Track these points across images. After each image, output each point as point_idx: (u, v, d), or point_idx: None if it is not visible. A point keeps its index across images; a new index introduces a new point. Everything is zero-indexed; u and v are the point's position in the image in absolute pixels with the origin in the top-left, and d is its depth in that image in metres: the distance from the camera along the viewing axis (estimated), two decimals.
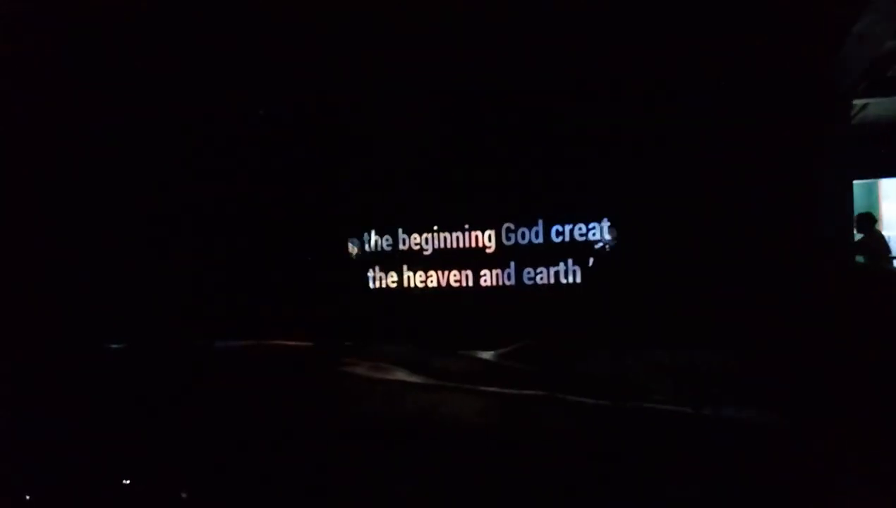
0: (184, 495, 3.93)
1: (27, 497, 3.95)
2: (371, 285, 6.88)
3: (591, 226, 6.30)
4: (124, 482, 4.06)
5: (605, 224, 6.27)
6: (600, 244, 6.30)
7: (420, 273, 6.73)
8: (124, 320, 7.09)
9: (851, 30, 5.14)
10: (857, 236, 6.99)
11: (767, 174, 5.81)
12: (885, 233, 8.04)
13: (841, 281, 5.57)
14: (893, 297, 4.88)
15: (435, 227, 6.69)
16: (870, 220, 7.06)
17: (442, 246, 6.67)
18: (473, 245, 6.58)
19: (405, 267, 6.77)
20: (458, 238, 6.62)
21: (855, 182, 6.71)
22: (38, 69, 6.69)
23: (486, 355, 6.15)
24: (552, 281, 6.38)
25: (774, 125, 5.78)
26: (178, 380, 6.01)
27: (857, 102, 7.41)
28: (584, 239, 6.32)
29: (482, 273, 6.54)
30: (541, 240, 6.42)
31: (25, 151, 7.38)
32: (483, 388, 5.41)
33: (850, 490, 3.50)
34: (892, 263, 6.82)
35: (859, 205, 7.18)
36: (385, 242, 6.82)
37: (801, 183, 5.85)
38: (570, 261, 6.34)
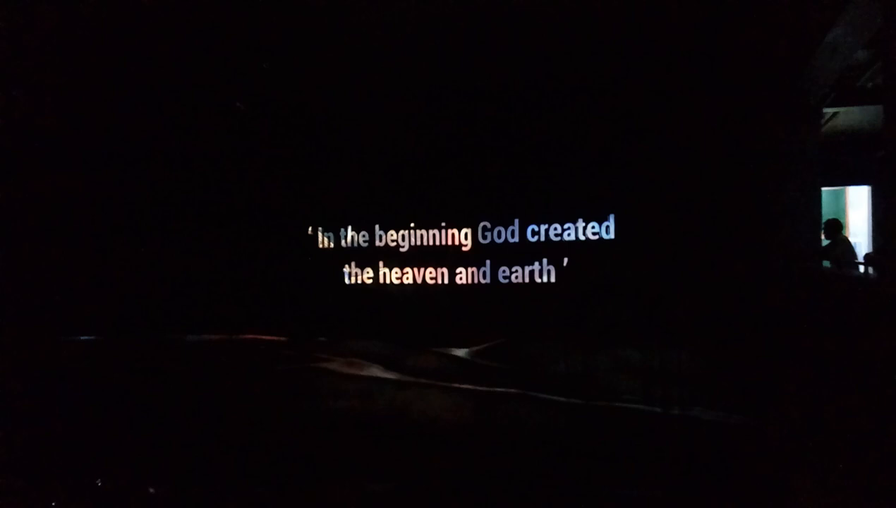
0: (151, 490, 3.89)
1: None
2: (346, 281, 6.86)
3: (566, 226, 6.35)
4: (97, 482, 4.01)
5: (580, 224, 6.33)
6: (575, 244, 6.36)
7: (396, 269, 6.73)
8: (94, 313, 6.97)
9: (822, 40, 5.26)
10: (825, 242, 7.15)
11: (738, 180, 5.91)
12: (851, 239, 8.24)
13: (808, 285, 5.70)
14: (858, 302, 5.00)
15: (412, 224, 6.69)
16: (837, 227, 7.22)
17: (418, 243, 6.67)
18: (450, 242, 6.60)
19: (381, 264, 6.77)
20: (434, 235, 6.63)
21: (823, 189, 6.86)
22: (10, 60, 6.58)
23: (461, 352, 6.17)
24: (527, 280, 6.42)
25: (746, 133, 5.87)
26: (149, 374, 5.94)
27: (828, 111, 7.58)
28: (559, 239, 6.37)
29: (458, 271, 6.56)
30: (516, 239, 6.46)
31: None
32: (457, 385, 5.43)
33: (814, 490, 3.58)
34: (857, 269, 6.97)
35: (827, 212, 7.35)
36: (361, 238, 6.81)
37: (770, 189, 5.96)
38: (544, 261, 6.38)
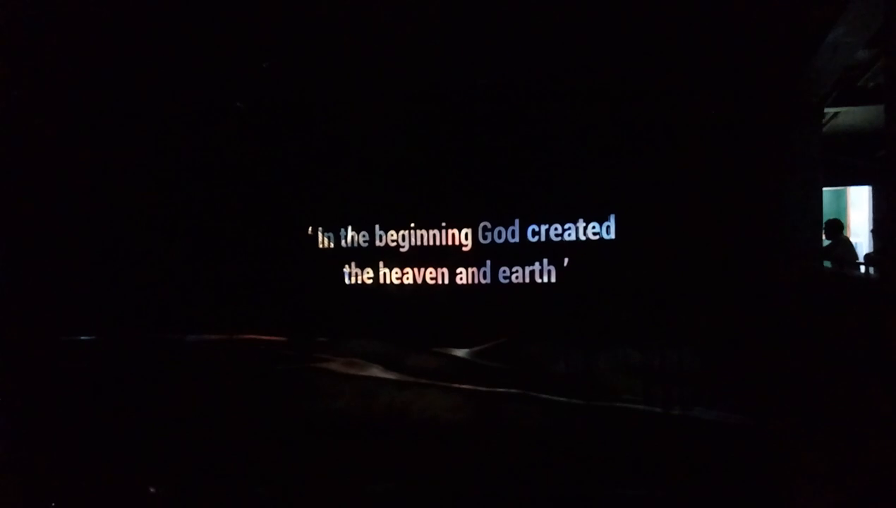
0: (152, 490, 3.89)
1: None
2: (346, 281, 6.85)
3: (566, 226, 6.34)
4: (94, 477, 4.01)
5: (581, 224, 6.32)
6: (575, 244, 6.35)
7: (396, 269, 6.72)
8: (94, 313, 6.97)
9: (824, 40, 5.25)
10: (826, 242, 7.14)
11: (739, 180, 5.90)
12: (852, 239, 8.23)
13: (808, 285, 5.69)
14: (859, 302, 5.00)
15: (412, 224, 6.68)
16: (838, 227, 7.21)
17: (418, 243, 6.67)
18: (450, 243, 6.59)
19: (381, 264, 6.76)
20: (434, 235, 6.62)
21: (824, 189, 6.85)
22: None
23: (461, 352, 6.17)
24: (527, 280, 6.41)
25: (746, 132, 5.86)
26: (149, 375, 5.94)
27: (829, 111, 7.57)
28: (559, 239, 6.36)
29: (458, 271, 6.55)
30: (517, 239, 6.45)
31: None
32: (457, 385, 5.43)
33: (814, 490, 3.57)
34: (858, 269, 6.97)
35: (828, 212, 7.34)
36: (361, 238, 6.80)
37: (771, 189, 5.95)
38: (545, 261, 6.38)
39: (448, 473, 4.06)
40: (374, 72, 6.50)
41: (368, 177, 6.80)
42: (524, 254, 6.45)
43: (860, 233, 9.54)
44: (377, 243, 6.78)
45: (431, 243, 6.65)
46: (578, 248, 6.34)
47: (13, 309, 6.86)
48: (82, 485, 3.97)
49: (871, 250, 8.11)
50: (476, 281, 6.53)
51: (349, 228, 6.84)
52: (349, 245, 6.85)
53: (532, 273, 6.43)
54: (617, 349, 5.71)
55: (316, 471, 4.14)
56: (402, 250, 6.72)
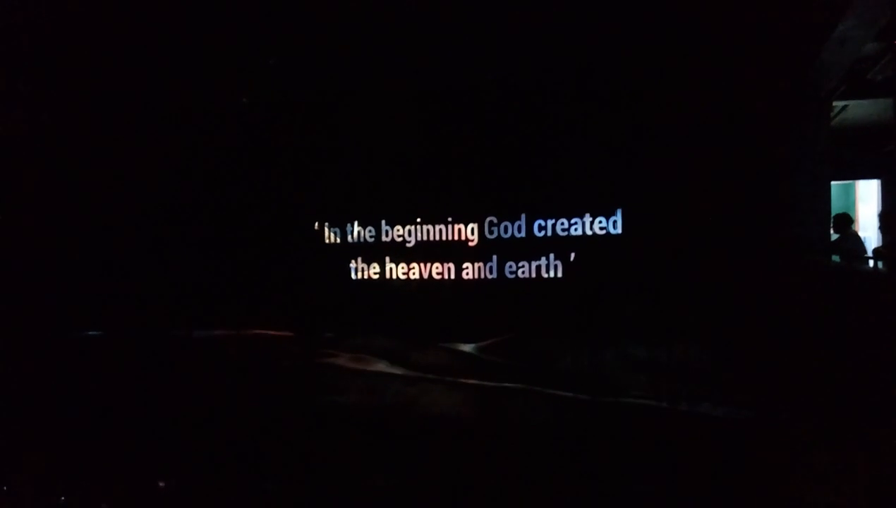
0: (161, 484, 3.91)
1: (4, 488, 3.92)
2: (353, 276, 6.86)
3: (573, 221, 6.33)
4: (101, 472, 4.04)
5: (587, 219, 6.31)
6: (582, 239, 6.35)
7: (402, 265, 6.73)
8: (101, 309, 7.00)
9: (832, 33, 5.21)
10: (834, 237, 7.09)
11: (746, 174, 5.87)
12: (861, 234, 8.17)
13: (816, 280, 5.66)
14: (867, 297, 4.97)
15: (418, 219, 6.69)
16: (846, 221, 7.16)
17: (424, 238, 6.67)
18: (456, 238, 6.59)
19: (387, 259, 6.77)
20: (440, 230, 6.63)
21: (833, 183, 6.80)
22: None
23: (467, 348, 6.17)
24: (534, 275, 6.42)
25: (754, 126, 5.84)
26: (156, 370, 5.97)
27: (837, 104, 7.52)
28: (566, 234, 6.35)
29: (464, 266, 6.56)
30: (523, 234, 6.45)
31: None
32: (463, 381, 5.43)
33: (820, 486, 3.56)
34: (867, 264, 6.92)
35: (836, 206, 7.29)
36: (368, 233, 6.81)
37: (779, 183, 5.92)
38: (551, 256, 6.37)
39: (454, 469, 4.07)
40: (381, 67, 6.50)
41: (375, 173, 6.81)
42: (530, 248, 6.45)
43: (869, 227, 9.47)
44: (383, 238, 6.79)
45: (437, 238, 6.66)
46: (585, 243, 6.34)
47: (22, 305, 6.90)
48: (91, 480, 4.00)
49: (880, 244, 8.06)
50: (482, 276, 6.54)
51: (355, 223, 6.86)
52: (355, 240, 6.87)
53: (538, 268, 6.43)
54: (624, 344, 5.70)
55: (322, 467, 4.15)
56: (408, 245, 6.73)
